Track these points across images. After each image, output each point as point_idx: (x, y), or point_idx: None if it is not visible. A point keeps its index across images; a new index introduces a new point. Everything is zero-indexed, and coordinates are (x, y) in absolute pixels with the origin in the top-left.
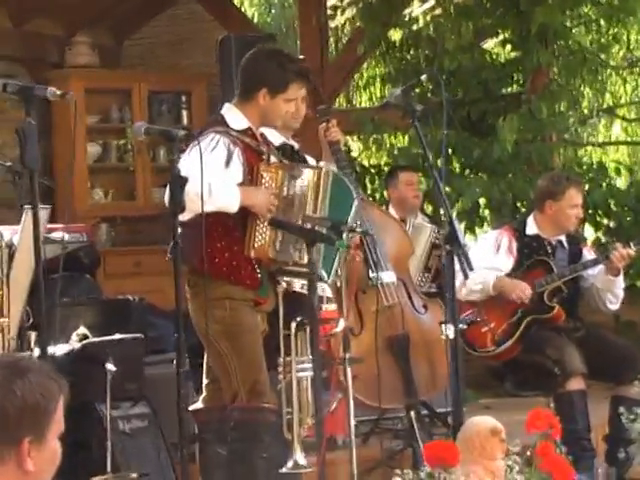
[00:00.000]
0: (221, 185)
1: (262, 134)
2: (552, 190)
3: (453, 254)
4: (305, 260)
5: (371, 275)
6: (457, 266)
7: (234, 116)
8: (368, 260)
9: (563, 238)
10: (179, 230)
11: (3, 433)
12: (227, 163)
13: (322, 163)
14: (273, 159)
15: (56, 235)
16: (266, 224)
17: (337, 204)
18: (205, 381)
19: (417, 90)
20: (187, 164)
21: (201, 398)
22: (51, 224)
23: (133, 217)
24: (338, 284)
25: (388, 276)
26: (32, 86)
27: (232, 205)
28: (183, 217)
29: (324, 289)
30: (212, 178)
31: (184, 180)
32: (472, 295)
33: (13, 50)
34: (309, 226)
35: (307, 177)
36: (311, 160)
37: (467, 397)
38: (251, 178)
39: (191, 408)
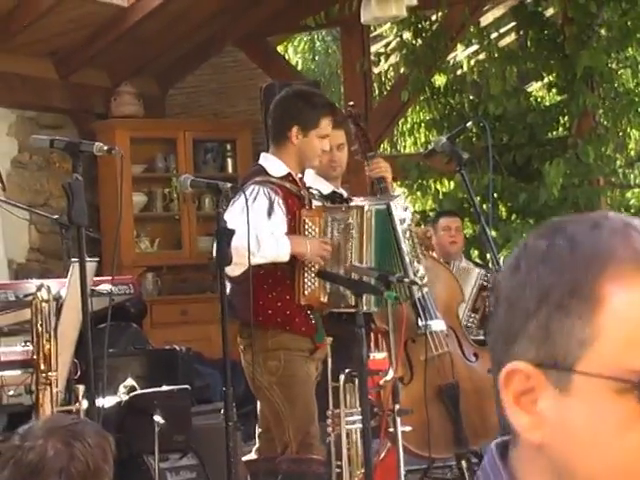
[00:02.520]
0: (269, 236)
1: (301, 179)
2: None
3: None
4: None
5: (420, 324)
6: None
7: (272, 164)
8: (417, 308)
9: None
10: (229, 286)
11: None
12: (269, 213)
13: (362, 199)
14: (314, 204)
15: (103, 288)
16: (314, 271)
17: (384, 241)
18: (258, 430)
19: (462, 136)
20: (231, 218)
21: (254, 448)
22: (97, 276)
23: (179, 266)
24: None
25: (438, 324)
26: (79, 142)
27: (283, 255)
28: (233, 272)
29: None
30: (259, 230)
31: (230, 233)
32: None
33: (59, 101)
34: (356, 277)
35: (350, 219)
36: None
37: None
38: (293, 225)
39: (244, 459)
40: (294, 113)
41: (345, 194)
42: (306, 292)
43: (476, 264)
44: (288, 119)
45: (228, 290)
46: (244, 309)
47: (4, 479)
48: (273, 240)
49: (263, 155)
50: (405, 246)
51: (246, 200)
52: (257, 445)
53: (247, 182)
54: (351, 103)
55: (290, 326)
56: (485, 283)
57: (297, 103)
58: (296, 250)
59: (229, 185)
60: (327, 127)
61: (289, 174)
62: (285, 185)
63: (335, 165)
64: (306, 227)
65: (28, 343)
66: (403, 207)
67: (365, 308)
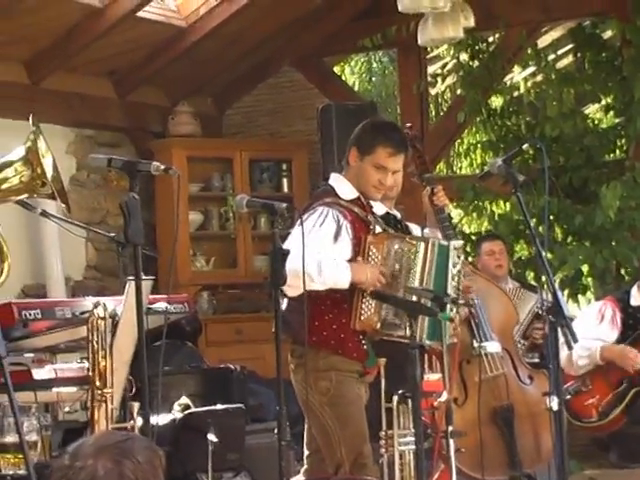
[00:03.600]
0: (331, 263)
1: (368, 203)
2: None
3: (557, 325)
4: (408, 331)
5: (475, 345)
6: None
7: (342, 185)
8: (472, 329)
9: None
10: (286, 302)
11: None
12: (336, 238)
13: (427, 230)
14: (378, 229)
15: (158, 306)
16: (369, 296)
17: (439, 270)
18: (306, 452)
19: (518, 158)
20: (294, 240)
21: (303, 470)
22: (153, 294)
23: (234, 285)
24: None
25: (493, 346)
26: (136, 161)
27: (343, 283)
28: (290, 293)
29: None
30: (322, 256)
31: (285, 253)
32: (580, 370)
33: (117, 120)
34: (411, 298)
35: (414, 249)
36: (415, 228)
37: (571, 468)
38: (358, 250)
39: (295, 479)
40: (357, 135)
41: (399, 215)
42: (362, 317)
43: (526, 286)
44: (351, 141)
45: (285, 306)
46: (299, 327)
47: None
48: (334, 266)
49: (333, 176)
50: (450, 287)
51: (308, 218)
52: (305, 467)
53: (316, 202)
54: (409, 125)
55: (342, 350)
56: (539, 311)
57: (364, 127)
58: (356, 279)
59: (285, 205)
60: (384, 158)
61: (358, 198)
62: (354, 209)
63: (393, 187)
64: (370, 254)
65: (84, 360)
66: (459, 252)
67: (418, 340)
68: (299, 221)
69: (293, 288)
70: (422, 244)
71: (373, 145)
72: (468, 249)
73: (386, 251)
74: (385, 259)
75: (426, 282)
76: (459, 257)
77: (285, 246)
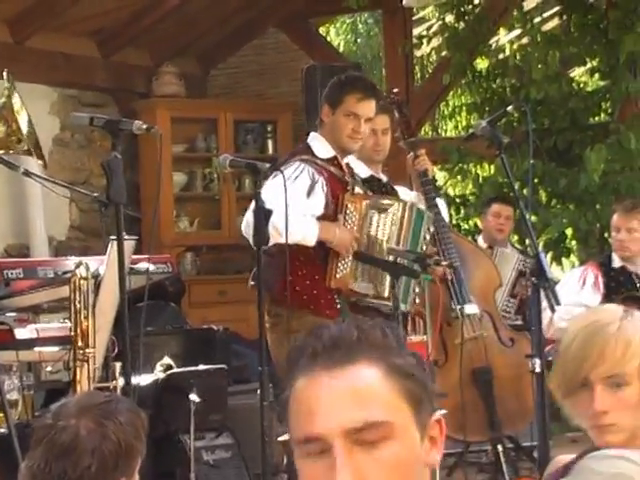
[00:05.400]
0: (300, 218)
1: (347, 164)
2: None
3: (539, 287)
4: (385, 293)
5: (454, 307)
6: (544, 301)
7: (320, 144)
8: (451, 292)
9: None
10: (263, 259)
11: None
12: (309, 193)
13: (413, 194)
14: (357, 190)
15: (141, 266)
16: (349, 256)
17: (415, 234)
18: None
19: (503, 120)
20: (269, 194)
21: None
22: (136, 254)
23: (218, 246)
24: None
25: (471, 308)
26: (118, 120)
27: (309, 240)
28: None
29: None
30: (292, 209)
31: (268, 213)
32: (559, 333)
33: (101, 80)
34: (393, 259)
35: (392, 210)
36: (403, 191)
37: (553, 430)
38: (335, 208)
39: (281, 439)
40: (326, 93)
41: (385, 179)
42: (338, 275)
43: (517, 250)
44: (322, 100)
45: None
46: (273, 282)
47: (37, 457)
48: (303, 221)
49: (312, 134)
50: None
51: (282, 172)
52: None
53: (292, 158)
54: (395, 90)
55: (315, 306)
56: (524, 269)
57: (332, 83)
58: (323, 236)
59: (268, 165)
60: (353, 104)
61: (335, 157)
62: (329, 168)
63: (379, 149)
64: (347, 212)
65: (66, 320)
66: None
67: (392, 303)
68: (274, 174)
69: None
70: (400, 205)
71: (341, 95)
72: (452, 211)
73: (364, 211)
74: (363, 219)
75: (402, 244)
76: (429, 228)
77: (263, 196)
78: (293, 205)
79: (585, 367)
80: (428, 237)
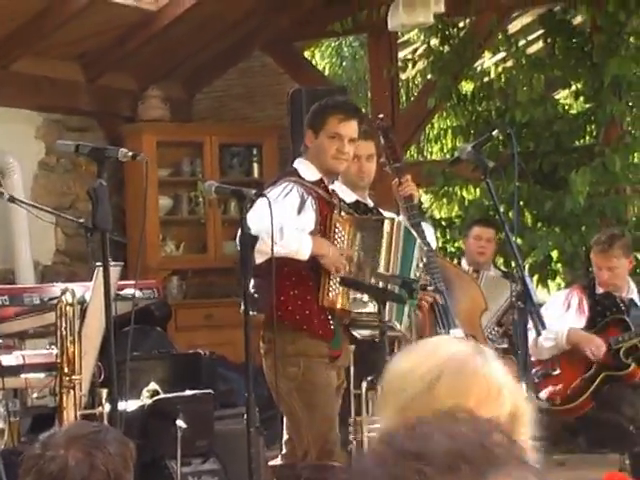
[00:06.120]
0: (294, 231)
1: (333, 190)
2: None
3: (526, 311)
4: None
5: (439, 331)
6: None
7: (306, 168)
8: (437, 316)
9: (635, 296)
10: (252, 282)
11: None
12: (299, 211)
13: (400, 218)
14: (343, 213)
15: (127, 292)
16: (339, 276)
17: (407, 256)
18: (285, 437)
19: (488, 143)
20: (257, 212)
21: (281, 455)
22: (122, 279)
23: (204, 270)
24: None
25: (456, 332)
26: (104, 147)
27: (303, 252)
28: (258, 260)
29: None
30: (284, 223)
31: (254, 239)
32: (545, 353)
33: (86, 104)
34: (380, 284)
35: (379, 229)
36: (389, 216)
37: (540, 453)
38: (324, 228)
39: (270, 463)
40: (308, 118)
41: (371, 204)
42: (330, 294)
43: (504, 273)
44: (305, 127)
45: (252, 284)
46: (266, 303)
47: None
48: (297, 234)
49: (297, 160)
50: (414, 264)
51: (271, 191)
52: (284, 451)
53: (279, 180)
54: (381, 115)
55: (308, 326)
56: (512, 299)
57: (312, 109)
58: (317, 250)
59: (254, 192)
60: (336, 125)
61: (321, 180)
62: (317, 190)
63: (363, 175)
64: (336, 231)
65: (52, 345)
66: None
67: (387, 321)
68: (260, 198)
69: (258, 253)
70: (387, 223)
71: (323, 118)
72: (439, 234)
73: (352, 233)
74: (352, 242)
75: (392, 265)
76: (422, 258)
77: (249, 215)
78: (285, 220)
79: None
80: (421, 265)
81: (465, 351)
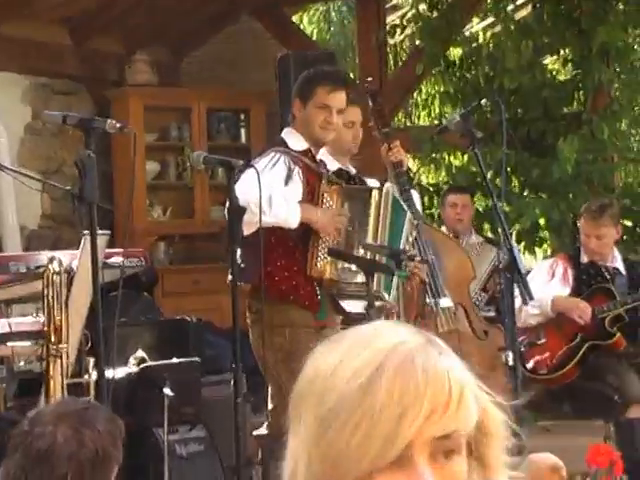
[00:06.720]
0: (282, 199)
1: (321, 160)
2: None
3: (512, 280)
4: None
5: (428, 301)
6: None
7: (294, 138)
8: (426, 286)
9: (620, 264)
10: (239, 251)
11: None
12: (286, 181)
13: (388, 184)
14: (331, 183)
15: (114, 260)
16: (327, 246)
17: (396, 226)
18: (270, 406)
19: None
20: (245, 182)
21: (266, 424)
22: (110, 243)
23: (191, 235)
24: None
25: (445, 301)
26: (91, 118)
27: (292, 220)
28: (246, 231)
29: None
30: (272, 191)
31: (242, 210)
32: (530, 320)
33: (73, 68)
34: (368, 255)
35: (368, 198)
36: (373, 182)
37: (526, 419)
38: (312, 197)
39: (255, 433)
40: (296, 87)
41: (353, 171)
42: (317, 265)
43: (487, 239)
44: (292, 96)
45: (239, 254)
46: (252, 272)
47: (13, 463)
48: (284, 203)
49: (285, 130)
50: (403, 237)
51: (259, 162)
52: (269, 419)
53: (266, 151)
54: (369, 79)
55: (294, 296)
56: (496, 264)
57: (301, 78)
58: (306, 216)
59: (241, 162)
60: (324, 95)
61: (309, 149)
62: (304, 160)
63: (358, 142)
64: (324, 201)
65: (39, 312)
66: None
67: (375, 292)
68: (248, 169)
69: (246, 224)
70: (376, 192)
71: (311, 88)
72: (426, 201)
73: (340, 202)
74: (338, 210)
75: (381, 233)
76: (412, 232)
77: (237, 186)
78: (273, 189)
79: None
80: (411, 239)
81: (414, 340)
